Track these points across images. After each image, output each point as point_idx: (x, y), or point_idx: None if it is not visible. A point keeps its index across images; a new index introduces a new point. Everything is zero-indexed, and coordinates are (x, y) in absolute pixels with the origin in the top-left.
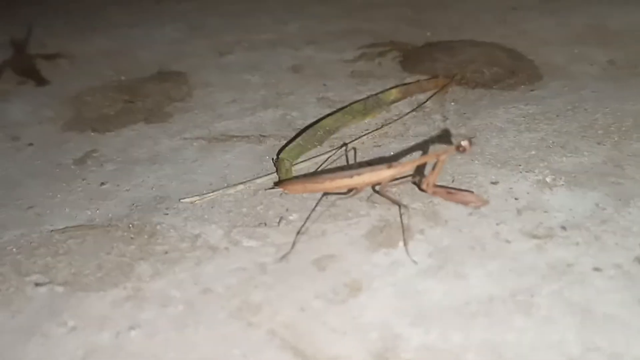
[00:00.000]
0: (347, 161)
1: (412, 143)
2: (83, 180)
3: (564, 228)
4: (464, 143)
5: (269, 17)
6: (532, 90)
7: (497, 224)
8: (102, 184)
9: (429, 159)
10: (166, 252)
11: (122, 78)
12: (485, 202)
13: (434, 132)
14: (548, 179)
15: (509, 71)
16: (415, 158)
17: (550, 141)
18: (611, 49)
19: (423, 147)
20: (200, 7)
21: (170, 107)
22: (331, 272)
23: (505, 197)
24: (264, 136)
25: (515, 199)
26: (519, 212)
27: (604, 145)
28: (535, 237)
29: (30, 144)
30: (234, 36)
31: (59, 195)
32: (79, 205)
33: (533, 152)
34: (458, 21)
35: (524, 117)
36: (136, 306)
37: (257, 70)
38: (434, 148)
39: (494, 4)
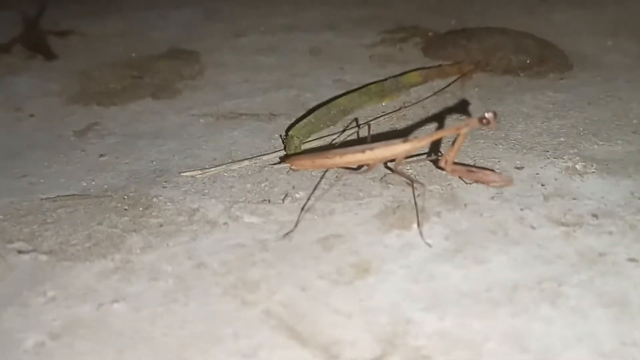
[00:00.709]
0: (358, 137)
1: (432, 124)
2: (82, 151)
3: (595, 216)
4: (488, 115)
5: (288, 3)
6: (561, 79)
7: (522, 209)
8: (101, 155)
9: (449, 133)
10: (161, 225)
11: (133, 55)
12: (510, 182)
13: (456, 116)
14: (578, 166)
15: (538, 59)
16: (434, 132)
17: (581, 128)
18: None
19: (443, 125)
20: None
21: (180, 84)
22: (337, 252)
23: (530, 183)
24: (274, 115)
25: (542, 184)
26: (545, 198)
27: (639, 134)
28: (563, 224)
29: (32, 115)
30: (251, 21)
31: (55, 166)
32: (74, 176)
33: (562, 139)
34: (484, 10)
35: (552, 104)
36: (123, 279)
37: (272, 53)
38: (454, 122)
39: None
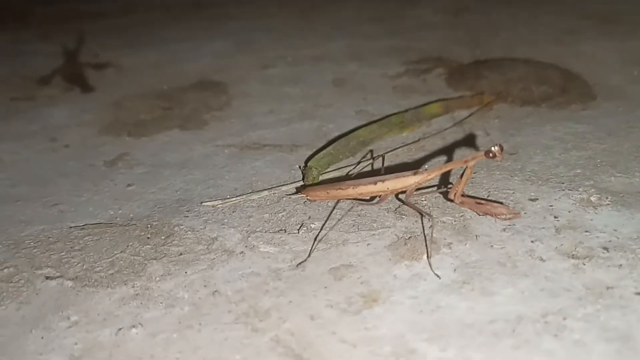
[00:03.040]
0: (373, 168)
1: (448, 155)
2: (111, 181)
3: (605, 249)
4: (495, 148)
5: (316, 35)
6: (583, 110)
7: (532, 242)
8: (129, 185)
9: (457, 166)
10: (180, 254)
11: (165, 87)
12: (517, 215)
13: (474, 147)
14: (593, 198)
15: (560, 90)
16: (443, 165)
17: (599, 160)
18: None
19: (453, 158)
20: (248, 26)
21: (207, 115)
22: (347, 282)
23: (543, 215)
24: (296, 146)
25: (555, 217)
26: (557, 230)
27: None
28: (573, 256)
29: (67, 146)
30: (279, 51)
31: (85, 195)
32: (102, 205)
33: (579, 171)
34: (510, 42)
35: (572, 135)
36: (142, 305)
37: (298, 83)
38: (464, 155)
39: (550, 26)
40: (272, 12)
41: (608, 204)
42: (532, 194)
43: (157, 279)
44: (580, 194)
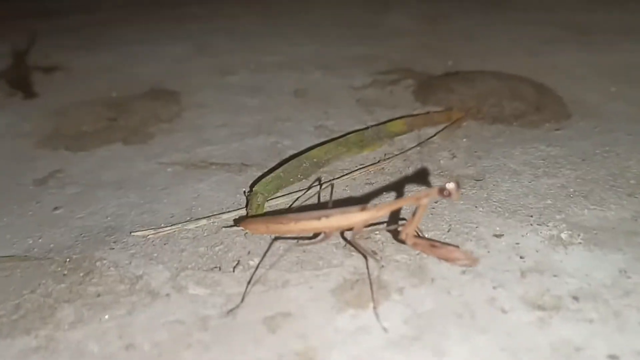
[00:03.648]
0: (320, 198)
1: (409, 182)
2: (37, 203)
3: (575, 298)
4: (450, 186)
5: (283, 40)
6: (557, 130)
7: (495, 288)
8: (56, 208)
9: (408, 203)
10: (98, 295)
11: (114, 95)
12: (475, 262)
13: (438, 171)
14: (563, 235)
15: (533, 107)
16: (393, 200)
17: (572, 189)
18: None
19: (418, 187)
20: (211, 27)
21: (155, 127)
22: (282, 335)
23: (508, 254)
24: (246, 165)
25: (521, 257)
26: (522, 274)
27: (635, 197)
28: (539, 307)
29: None
30: (242, 57)
31: (5, 219)
32: (22, 232)
33: (549, 202)
34: (484, 52)
35: (543, 159)
36: None
37: (257, 94)
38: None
39: (526, 36)
40: (237, 13)
41: (580, 243)
42: (498, 228)
43: (66, 327)
44: (549, 230)
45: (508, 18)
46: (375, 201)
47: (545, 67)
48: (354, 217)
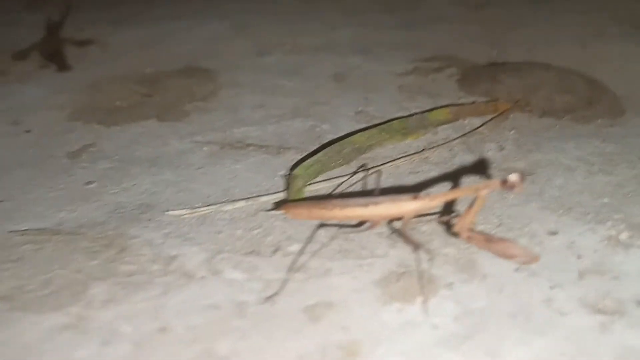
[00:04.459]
0: (366, 185)
1: (456, 173)
2: (70, 176)
3: (639, 304)
4: (513, 178)
5: (320, 21)
6: (611, 126)
7: (551, 288)
8: (89, 183)
9: (466, 193)
10: (131, 274)
11: (148, 71)
12: (535, 259)
13: (485, 164)
14: (623, 236)
15: (585, 101)
16: (449, 190)
17: (630, 189)
18: None
19: (467, 178)
20: (248, 7)
21: (190, 105)
22: (325, 326)
23: (564, 253)
24: (284, 148)
25: (578, 257)
26: (580, 274)
27: None
28: (600, 311)
29: (28, 131)
30: (278, 38)
31: (36, 191)
32: (54, 205)
33: (606, 200)
34: (531, 42)
35: (598, 156)
36: (73, 340)
37: (294, 75)
38: (476, 181)
39: (575, 28)
40: None
41: None
42: (552, 225)
43: (98, 305)
44: (607, 230)
45: (554, 7)
46: (422, 191)
47: (596, 60)
48: (405, 206)
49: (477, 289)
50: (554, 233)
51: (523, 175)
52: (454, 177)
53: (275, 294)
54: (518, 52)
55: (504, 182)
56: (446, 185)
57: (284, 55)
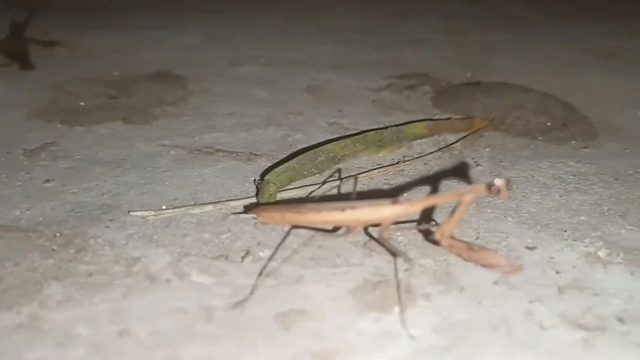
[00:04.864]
0: (340, 192)
1: (433, 184)
2: (27, 174)
3: (621, 320)
4: (499, 182)
5: (298, 37)
6: (585, 148)
7: (531, 302)
8: (47, 181)
9: (448, 199)
10: (90, 275)
11: (116, 74)
12: (518, 269)
13: (462, 178)
14: (601, 253)
15: (560, 123)
16: (431, 195)
17: (606, 207)
18: None
19: (441, 189)
20: (226, 21)
21: (158, 109)
22: (298, 334)
23: (543, 268)
24: (255, 155)
25: (557, 272)
26: (560, 290)
27: None
28: (581, 327)
29: None
30: (253, 51)
31: None
32: (9, 202)
33: (583, 218)
34: (506, 68)
35: (573, 175)
36: (25, 341)
37: (268, 86)
38: (451, 186)
39: (548, 56)
40: (254, 8)
41: (620, 262)
42: (530, 240)
43: (53, 305)
44: (586, 247)
45: (529, 38)
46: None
47: (570, 87)
48: (384, 211)
49: (455, 300)
50: (532, 248)
51: (509, 181)
52: (428, 190)
53: (245, 300)
54: (493, 76)
55: (490, 187)
56: (424, 194)
57: (259, 67)
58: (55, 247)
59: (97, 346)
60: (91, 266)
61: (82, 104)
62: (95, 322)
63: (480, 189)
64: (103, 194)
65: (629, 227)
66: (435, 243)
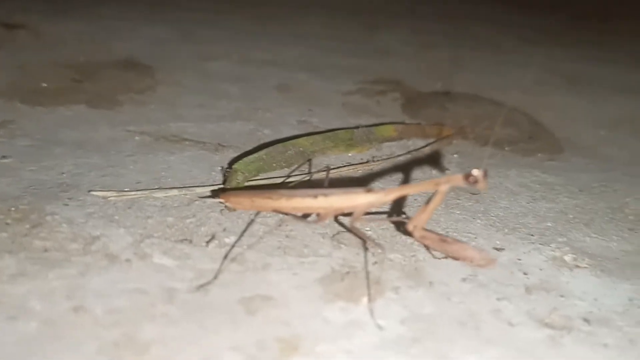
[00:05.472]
0: (311, 181)
1: (403, 182)
2: None
3: (587, 321)
4: (477, 172)
5: (270, 40)
6: (551, 160)
7: (499, 300)
8: (4, 157)
9: (425, 188)
10: (46, 250)
11: (82, 59)
12: (491, 262)
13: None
14: (567, 258)
15: (527, 136)
16: (406, 185)
17: (571, 216)
18: None
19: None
20: (196, 18)
21: (125, 96)
22: (263, 319)
23: (511, 269)
24: (223, 146)
25: (524, 273)
26: (527, 290)
27: (636, 232)
28: (548, 325)
29: None
30: (225, 48)
31: None
32: None
33: (549, 224)
34: (475, 82)
35: (540, 184)
36: None
37: (239, 82)
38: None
39: (517, 77)
40: (227, 9)
41: (585, 267)
42: (498, 242)
43: (5, 279)
44: (552, 251)
45: (498, 58)
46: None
47: (537, 105)
48: (358, 199)
49: (424, 295)
50: (500, 249)
51: (487, 172)
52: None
53: (209, 283)
54: (463, 89)
55: (467, 177)
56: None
57: (230, 64)
58: (9, 221)
59: (50, 321)
60: (47, 242)
61: (45, 85)
62: (50, 297)
63: (457, 179)
64: (63, 173)
65: (593, 235)
66: (408, 234)
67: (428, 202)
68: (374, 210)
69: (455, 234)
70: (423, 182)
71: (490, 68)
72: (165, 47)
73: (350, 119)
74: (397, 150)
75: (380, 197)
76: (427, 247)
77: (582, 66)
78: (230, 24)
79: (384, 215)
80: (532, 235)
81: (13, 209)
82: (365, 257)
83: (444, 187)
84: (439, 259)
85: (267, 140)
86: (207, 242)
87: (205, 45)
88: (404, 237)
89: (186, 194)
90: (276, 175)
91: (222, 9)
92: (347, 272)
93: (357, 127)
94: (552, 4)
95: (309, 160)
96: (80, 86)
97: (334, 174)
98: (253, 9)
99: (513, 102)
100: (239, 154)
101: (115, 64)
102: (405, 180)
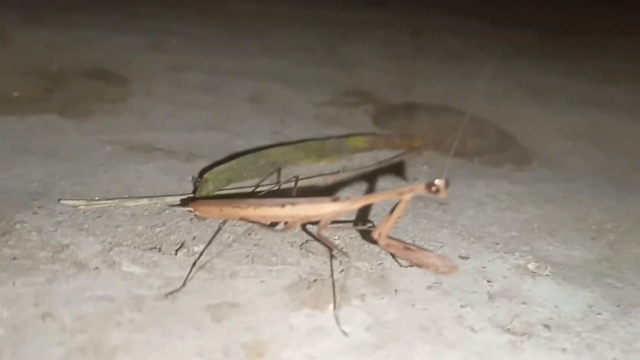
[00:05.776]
0: (280, 188)
1: (371, 190)
2: None
3: (547, 327)
4: (439, 182)
5: (240, 50)
6: (519, 171)
7: (462, 306)
8: None
9: (389, 197)
10: (14, 258)
11: (53, 68)
12: (454, 269)
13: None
14: (530, 266)
15: (495, 147)
16: (371, 194)
17: (536, 225)
18: (609, 151)
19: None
20: (167, 29)
21: (97, 106)
22: (229, 325)
23: (475, 277)
24: (194, 155)
25: (488, 281)
26: (490, 297)
27: (598, 242)
28: (509, 331)
29: None
30: (196, 58)
31: None
32: None
33: (514, 233)
34: (444, 93)
35: (507, 194)
36: None
37: (210, 92)
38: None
39: (486, 86)
40: (196, 20)
41: (547, 275)
42: (463, 250)
43: None
44: (516, 259)
45: (466, 70)
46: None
47: (505, 116)
48: (324, 208)
49: (389, 302)
50: (465, 257)
51: (448, 181)
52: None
53: (176, 291)
54: (432, 100)
55: (429, 186)
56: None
57: (201, 74)
58: None
59: (17, 327)
60: (15, 250)
61: (16, 94)
62: (17, 304)
63: (419, 188)
64: (33, 182)
65: (557, 244)
66: (373, 242)
67: (392, 210)
68: (342, 218)
69: (422, 242)
70: (387, 191)
71: (458, 79)
72: (137, 56)
73: (323, 130)
74: (367, 161)
75: (345, 206)
76: (393, 255)
77: (549, 78)
78: (201, 35)
79: (351, 224)
80: (497, 244)
81: None
82: (332, 265)
83: (407, 196)
84: (405, 267)
85: (239, 150)
86: (177, 251)
87: (177, 56)
88: (371, 245)
89: (156, 203)
90: (247, 185)
91: (193, 20)
92: (314, 280)
93: (328, 138)
94: (524, 20)
95: (279, 170)
96: (51, 96)
97: (303, 183)
98: (224, 21)
99: (481, 113)
100: (210, 163)
101: (86, 73)
102: (374, 190)
